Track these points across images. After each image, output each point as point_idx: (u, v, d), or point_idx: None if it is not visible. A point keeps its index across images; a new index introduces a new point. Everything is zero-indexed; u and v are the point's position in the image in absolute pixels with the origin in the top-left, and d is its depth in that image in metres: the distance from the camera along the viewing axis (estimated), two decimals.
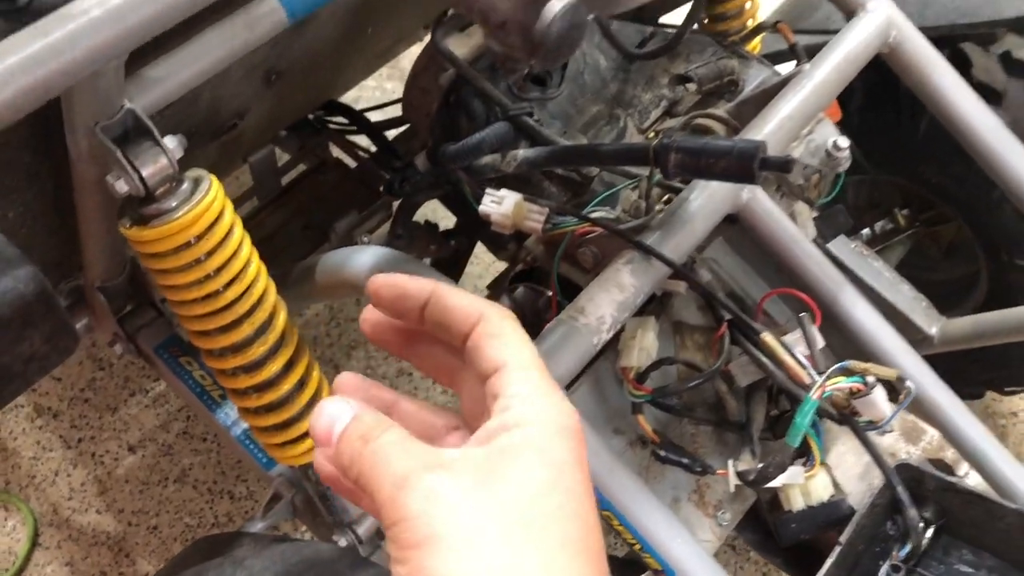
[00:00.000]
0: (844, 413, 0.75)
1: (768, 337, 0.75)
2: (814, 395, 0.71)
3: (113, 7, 0.63)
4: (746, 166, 0.76)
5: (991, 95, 1.26)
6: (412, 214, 1.06)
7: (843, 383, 0.71)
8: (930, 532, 0.84)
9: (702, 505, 0.83)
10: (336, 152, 1.35)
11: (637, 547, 0.74)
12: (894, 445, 0.97)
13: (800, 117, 0.91)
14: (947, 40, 1.29)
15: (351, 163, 1.30)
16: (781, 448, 0.75)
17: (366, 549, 0.96)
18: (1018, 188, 0.99)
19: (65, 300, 1.16)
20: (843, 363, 0.72)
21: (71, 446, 1.51)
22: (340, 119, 1.35)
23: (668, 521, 0.73)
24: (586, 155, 0.87)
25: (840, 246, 1.31)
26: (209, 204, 0.73)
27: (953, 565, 0.86)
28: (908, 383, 0.73)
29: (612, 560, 1.11)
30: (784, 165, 0.77)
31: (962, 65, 1.29)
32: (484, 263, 1.64)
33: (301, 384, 0.85)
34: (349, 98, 1.44)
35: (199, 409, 1.06)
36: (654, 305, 0.88)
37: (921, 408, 0.86)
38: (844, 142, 0.91)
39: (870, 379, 0.71)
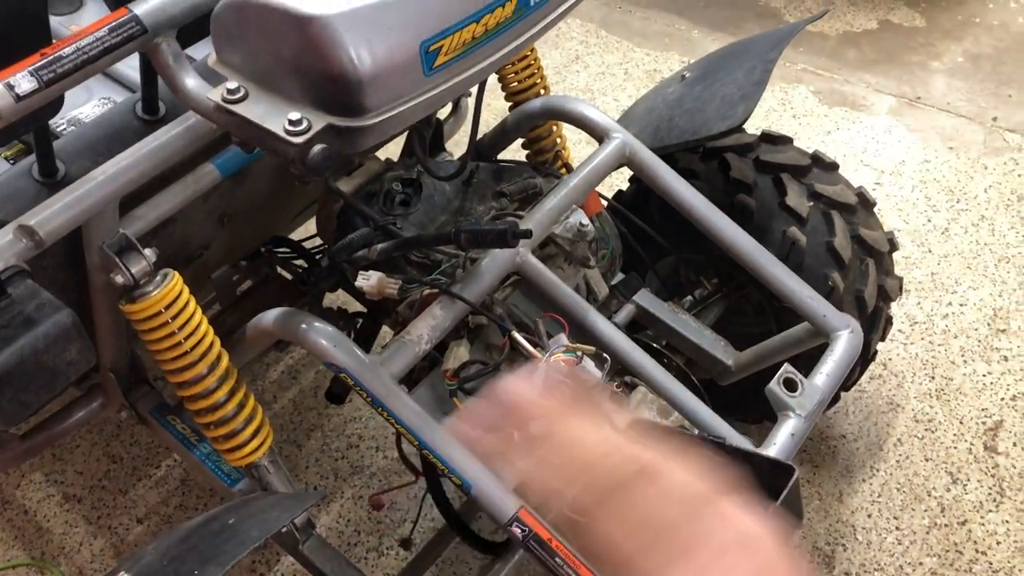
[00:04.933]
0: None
1: (514, 335, 1.20)
2: (542, 364, 1.15)
3: (106, 178, 1.12)
4: (503, 238, 1.24)
5: (744, 187, 1.75)
6: (320, 299, 1.52)
7: (561, 355, 1.16)
8: None
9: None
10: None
11: (450, 475, 1.16)
12: (655, 418, 1.39)
13: (559, 208, 1.39)
14: (711, 151, 1.79)
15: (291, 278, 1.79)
16: None
17: None
18: (721, 241, 1.46)
19: (86, 390, 1.62)
20: (561, 344, 1.17)
21: (92, 522, 1.92)
22: (284, 248, 1.85)
23: (467, 457, 1.15)
24: (414, 242, 1.35)
25: (656, 305, 1.77)
26: (172, 287, 1.20)
27: None
28: (604, 355, 1.17)
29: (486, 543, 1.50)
30: (526, 234, 1.25)
31: (724, 168, 1.79)
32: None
33: (240, 406, 1.30)
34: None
35: (180, 450, 1.50)
36: (471, 333, 1.34)
37: (640, 378, 1.30)
38: (586, 222, 1.38)
39: (579, 354, 1.16)
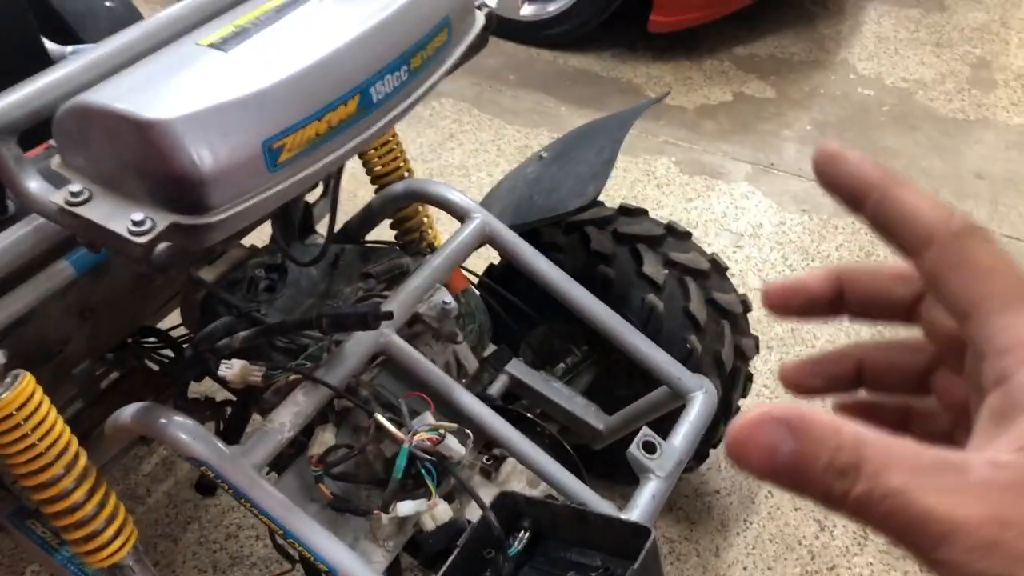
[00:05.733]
0: (439, 458, 1.21)
1: (377, 417, 1.22)
2: (406, 444, 1.18)
3: None
4: (364, 320, 1.27)
5: (603, 258, 1.84)
6: (184, 390, 1.51)
7: (424, 434, 1.18)
8: (526, 535, 1.28)
9: (375, 540, 1.26)
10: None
11: (318, 564, 1.16)
12: (524, 489, 1.42)
13: (422, 288, 1.43)
14: (573, 225, 1.88)
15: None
16: (392, 483, 1.20)
17: None
18: (578, 311, 1.52)
19: None
20: (425, 423, 1.20)
21: None
22: (152, 339, 1.82)
23: (333, 543, 1.16)
24: (277, 328, 1.36)
25: (528, 375, 1.82)
26: (23, 389, 1.18)
27: (552, 555, 1.30)
28: (467, 431, 1.20)
29: None
30: (387, 315, 1.28)
31: (584, 240, 1.87)
32: None
33: (101, 506, 1.27)
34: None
35: (41, 556, 1.44)
36: (338, 417, 1.35)
37: (508, 451, 1.34)
38: (449, 300, 1.43)
39: (441, 432, 1.19)
